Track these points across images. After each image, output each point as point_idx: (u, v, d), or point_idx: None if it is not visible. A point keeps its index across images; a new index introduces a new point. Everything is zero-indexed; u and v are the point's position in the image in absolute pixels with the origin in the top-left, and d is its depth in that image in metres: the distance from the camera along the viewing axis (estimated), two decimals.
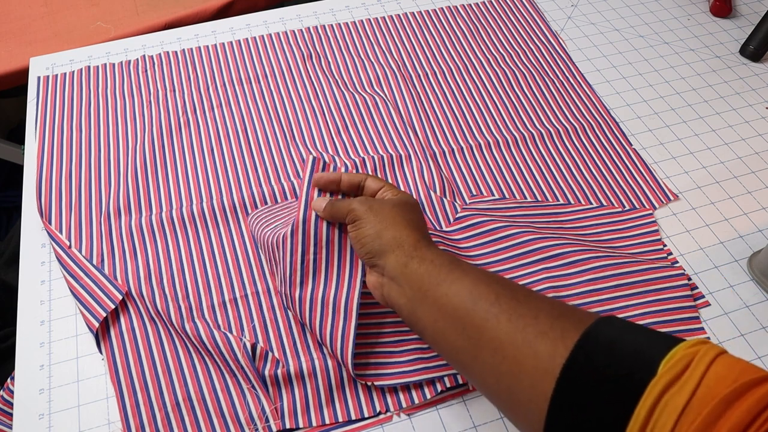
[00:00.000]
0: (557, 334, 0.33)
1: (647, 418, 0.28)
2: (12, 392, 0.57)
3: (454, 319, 0.38)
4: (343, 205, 0.46)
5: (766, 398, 0.27)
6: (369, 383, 0.49)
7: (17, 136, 1.28)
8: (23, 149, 0.80)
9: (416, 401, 0.49)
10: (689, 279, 0.58)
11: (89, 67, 0.76)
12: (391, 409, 0.49)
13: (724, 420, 0.26)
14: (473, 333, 0.37)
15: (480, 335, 0.36)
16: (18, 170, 1.25)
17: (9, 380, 0.58)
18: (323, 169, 0.49)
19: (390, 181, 0.64)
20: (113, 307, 0.53)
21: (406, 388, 0.50)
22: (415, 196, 0.62)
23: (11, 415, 0.49)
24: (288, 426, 0.48)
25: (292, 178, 0.64)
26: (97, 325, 0.52)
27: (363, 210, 0.44)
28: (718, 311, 0.56)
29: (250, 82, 0.74)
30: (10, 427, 0.54)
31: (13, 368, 0.52)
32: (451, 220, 0.61)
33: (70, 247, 0.58)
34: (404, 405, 0.49)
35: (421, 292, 0.40)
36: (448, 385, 0.49)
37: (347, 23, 0.82)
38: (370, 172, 0.64)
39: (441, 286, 0.39)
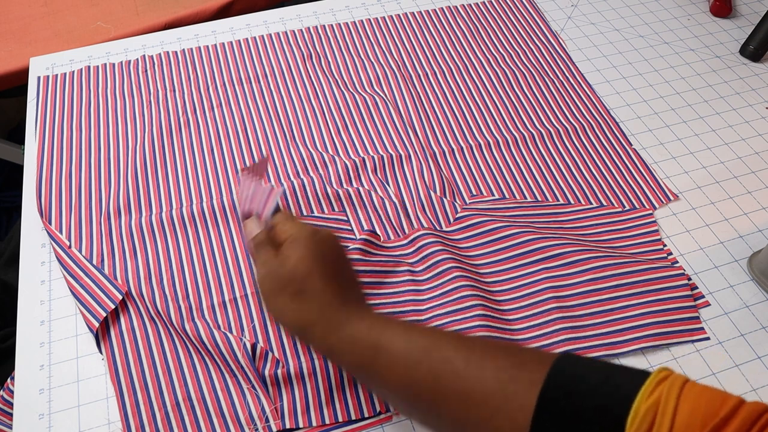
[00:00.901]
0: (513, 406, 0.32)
1: None
2: (12, 392, 0.57)
3: (397, 396, 0.37)
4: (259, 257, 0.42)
5: None
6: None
7: (17, 136, 1.28)
8: (23, 149, 0.80)
9: None
10: (689, 279, 0.58)
11: (89, 67, 0.76)
12: (391, 409, 0.49)
13: None
14: (422, 407, 0.36)
15: (427, 412, 0.36)
16: (18, 170, 1.25)
17: (9, 380, 0.58)
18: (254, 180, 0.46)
19: (390, 181, 0.64)
20: (113, 307, 0.53)
21: None
22: (415, 196, 0.62)
23: (11, 415, 0.49)
24: (288, 426, 0.48)
25: (292, 178, 0.64)
26: (97, 325, 0.52)
27: (265, 289, 0.41)
28: (718, 311, 0.56)
29: (250, 82, 0.74)
30: (10, 427, 0.54)
31: (13, 368, 0.52)
32: (451, 220, 0.61)
33: (70, 247, 0.58)
34: None
35: (355, 370, 0.39)
36: None
37: (347, 23, 0.82)
38: (370, 172, 0.64)
39: (372, 367, 0.37)
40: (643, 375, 0.31)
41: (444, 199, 0.62)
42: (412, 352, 0.36)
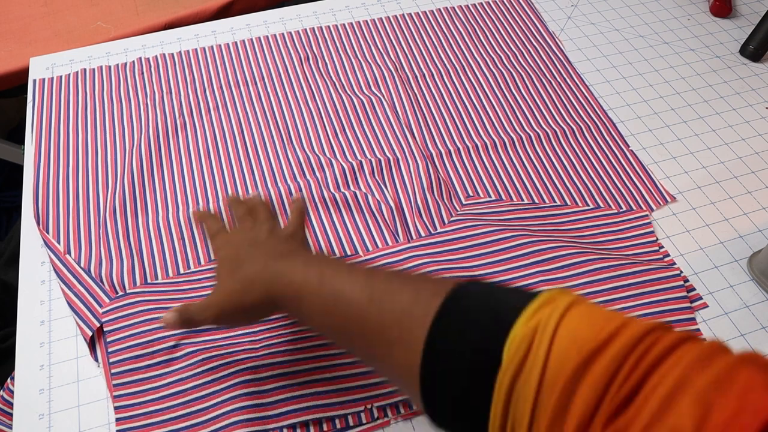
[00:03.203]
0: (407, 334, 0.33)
1: (504, 415, 0.27)
2: (12, 392, 0.57)
3: (324, 336, 0.42)
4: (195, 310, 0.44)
5: (611, 367, 0.25)
6: (369, 405, 0.49)
7: (17, 136, 1.28)
8: (23, 149, 0.80)
9: (414, 408, 0.49)
10: (686, 280, 0.58)
11: (85, 70, 0.76)
12: (389, 415, 0.49)
13: (575, 403, 0.25)
14: (342, 345, 0.40)
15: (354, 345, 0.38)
16: (18, 170, 1.25)
17: (9, 380, 0.58)
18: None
19: (387, 183, 0.64)
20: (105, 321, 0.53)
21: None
22: (412, 200, 0.62)
23: (11, 415, 0.49)
24: None
25: (289, 182, 0.64)
26: (90, 334, 0.52)
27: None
28: (718, 311, 0.56)
29: (247, 85, 0.74)
30: (10, 427, 0.54)
31: (13, 368, 0.52)
32: (446, 222, 0.60)
33: (66, 254, 0.58)
34: (402, 412, 0.49)
35: (292, 313, 0.42)
36: None
37: (344, 24, 0.82)
38: (367, 175, 0.64)
39: (300, 313, 0.41)
40: (529, 298, 0.30)
41: (440, 204, 0.62)
42: (326, 299, 0.38)
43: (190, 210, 0.61)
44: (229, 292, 0.42)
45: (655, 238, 0.60)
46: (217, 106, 0.72)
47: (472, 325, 0.30)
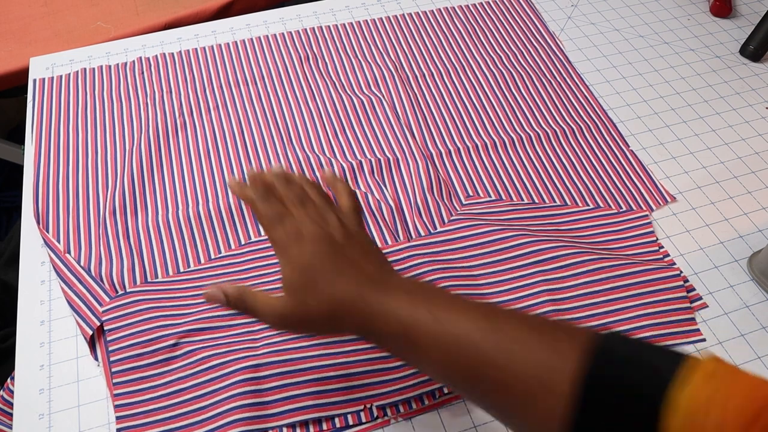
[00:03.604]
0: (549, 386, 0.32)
1: None
2: (12, 392, 0.57)
3: (435, 378, 0.38)
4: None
5: None
6: (368, 405, 0.49)
7: (17, 136, 1.28)
8: (23, 149, 0.80)
9: (414, 407, 0.49)
10: (686, 281, 0.58)
11: (85, 69, 0.76)
12: (389, 414, 0.49)
13: None
14: (461, 390, 0.37)
15: (474, 389, 0.36)
16: (18, 170, 1.25)
17: (9, 380, 0.58)
18: None
19: (387, 182, 0.64)
20: (105, 320, 0.53)
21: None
22: (412, 200, 0.62)
23: (11, 415, 0.49)
24: None
25: None
26: (90, 333, 0.52)
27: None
28: (718, 311, 0.56)
29: (247, 84, 0.74)
30: (10, 427, 0.54)
31: (13, 368, 0.52)
32: (446, 222, 0.61)
33: (65, 252, 0.58)
34: (402, 411, 0.49)
35: (391, 351, 0.39)
36: (446, 392, 0.49)
37: (344, 24, 0.82)
38: (367, 175, 0.64)
39: (405, 350, 0.37)
40: (676, 361, 0.30)
41: (440, 203, 0.62)
42: (444, 343, 0.35)
43: (228, 180, 0.48)
44: (309, 309, 0.38)
45: (655, 238, 0.60)
46: (217, 106, 0.72)
47: (623, 384, 0.30)
